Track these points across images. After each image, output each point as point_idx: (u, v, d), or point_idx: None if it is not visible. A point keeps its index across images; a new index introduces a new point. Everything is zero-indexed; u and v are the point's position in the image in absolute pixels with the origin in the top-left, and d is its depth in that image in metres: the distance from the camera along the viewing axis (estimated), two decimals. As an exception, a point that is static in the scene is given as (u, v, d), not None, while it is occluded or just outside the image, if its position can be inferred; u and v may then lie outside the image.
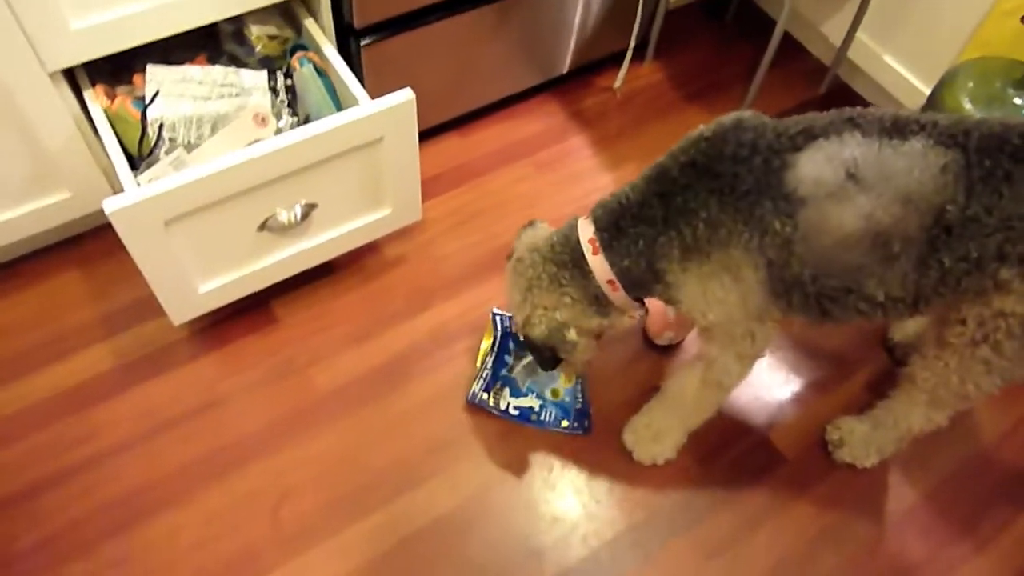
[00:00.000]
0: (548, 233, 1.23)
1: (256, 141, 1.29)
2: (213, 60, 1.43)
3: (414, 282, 1.59)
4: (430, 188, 1.73)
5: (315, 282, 1.56)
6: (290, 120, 1.33)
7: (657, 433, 1.38)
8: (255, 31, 1.40)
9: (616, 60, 1.96)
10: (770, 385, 1.51)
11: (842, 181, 0.99)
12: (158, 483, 1.33)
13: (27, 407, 1.39)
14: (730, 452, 1.43)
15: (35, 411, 1.38)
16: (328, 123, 1.21)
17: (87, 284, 1.53)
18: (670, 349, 1.54)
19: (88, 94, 1.31)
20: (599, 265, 1.13)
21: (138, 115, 1.29)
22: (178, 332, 1.49)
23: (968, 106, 1.44)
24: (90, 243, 1.59)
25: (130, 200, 1.11)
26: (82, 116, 1.32)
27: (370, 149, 1.30)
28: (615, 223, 1.11)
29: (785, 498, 1.39)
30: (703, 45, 2.07)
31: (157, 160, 1.27)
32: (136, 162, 1.30)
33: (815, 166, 1.01)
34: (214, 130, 1.30)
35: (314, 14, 1.45)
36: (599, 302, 1.18)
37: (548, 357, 1.24)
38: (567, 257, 1.16)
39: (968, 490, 1.42)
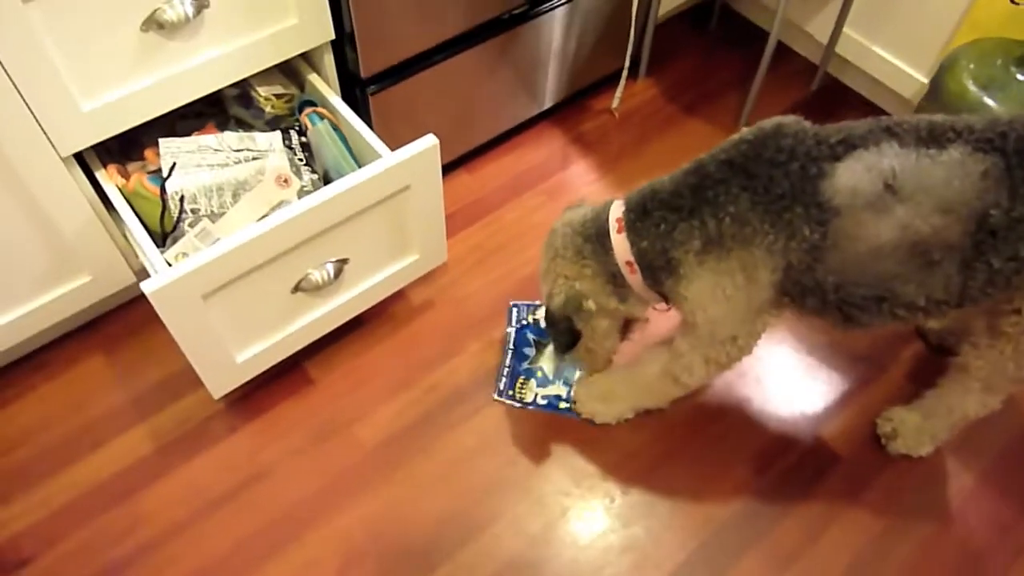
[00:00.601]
0: (586, 210, 1.24)
1: (281, 203, 1.27)
2: (221, 126, 1.41)
3: (444, 325, 1.57)
4: (447, 228, 1.72)
5: (346, 337, 1.54)
6: (311, 178, 1.32)
7: (607, 395, 1.41)
8: (262, 92, 1.38)
9: (610, 80, 1.97)
10: (813, 387, 1.50)
11: (880, 192, 0.99)
12: (214, 566, 1.29)
13: (69, 502, 1.34)
14: (786, 459, 1.42)
15: (78, 506, 1.34)
16: (355, 178, 1.20)
17: (113, 368, 1.50)
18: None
19: (101, 175, 1.29)
20: (620, 244, 1.15)
21: (157, 191, 1.26)
22: (214, 406, 1.45)
23: (972, 88, 1.46)
24: (110, 325, 1.55)
25: (168, 278, 1.08)
26: (96, 198, 1.29)
27: (397, 198, 1.29)
28: (643, 205, 1.13)
29: (846, 497, 1.38)
30: (691, 56, 2.09)
31: (183, 234, 1.24)
32: (159, 238, 1.27)
33: (852, 176, 1.01)
34: (236, 196, 1.27)
35: (317, 68, 1.44)
36: (616, 282, 1.19)
37: (565, 331, 1.24)
38: (593, 232, 1.18)
39: (1021, 465, 1.42)
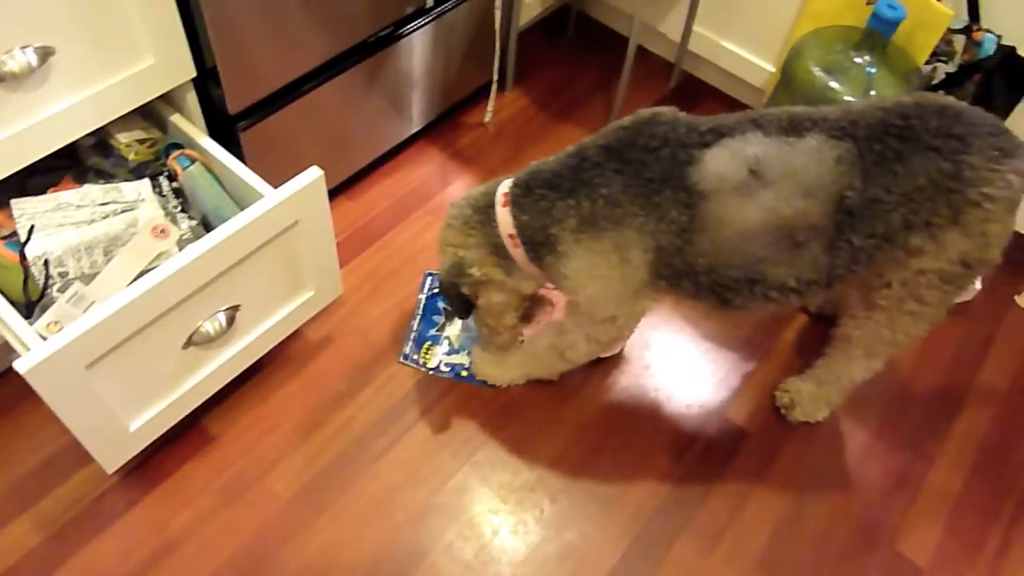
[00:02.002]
0: (483, 187, 1.29)
1: (160, 255, 1.19)
2: (80, 179, 1.30)
3: (348, 359, 1.52)
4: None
5: (244, 386, 1.46)
6: (190, 224, 1.24)
7: (500, 361, 1.47)
8: (123, 139, 1.29)
9: (479, 95, 1.98)
10: (713, 370, 1.57)
11: (744, 177, 1.06)
12: (133, 651, 1.19)
13: (-50, 614, 1.20)
14: (699, 442, 1.47)
15: (-38, 616, 1.20)
16: (239, 220, 1.14)
17: (-17, 456, 1.35)
18: (608, 359, 1.57)
19: (-54, 247, 1.16)
20: (503, 217, 1.21)
21: (16, 257, 1.15)
22: (107, 480, 1.34)
23: (818, 72, 1.57)
24: (-28, 410, 1.40)
25: (44, 353, 0.99)
26: (-57, 273, 1.16)
27: (285, 235, 1.24)
28: (527, 183, 1.19)
29: (760, 470, 1.44)
30: (554, 63, 2.13)
31: (52, 301, 1.14)
32: (24, 309, 1.16)
33: (719, 162, 1.07)
34: (108, 254, 1.18)
35: (179, 108, 1.36)
36: (501, 253, 1.24)
37: (455, 297, 1.30)
38: (483, 204, 1.24)
39: (906, 413, 1.54)
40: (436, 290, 1.61)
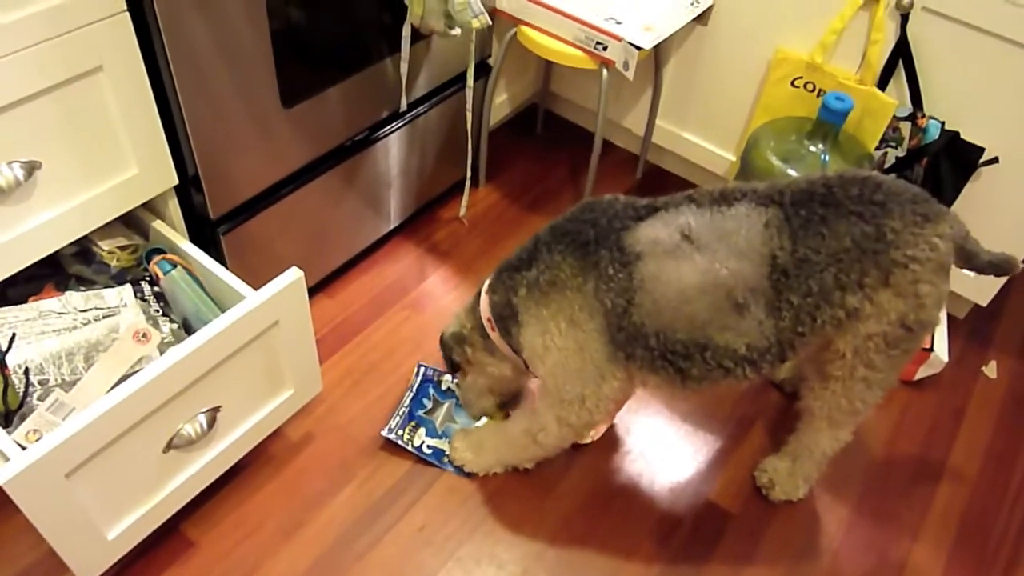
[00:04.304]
0: None
1: (142, 359, 1.20)
2: (61, 286, 1.32)
3: (329, 456, 1.52)
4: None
5: (223, 489, 1.44)
6: (171, 328, 1.26)
7: (479, 447, 1.49)
8: (105, 247, 1.32)
9: (453, 191, 2.04)
10: (693, 452, 1.58)
11: (678, 241, 1.13)
12: None
13: None
14: (685, 525, 1.47)
15: None
16: (220, 323, 1.16)
17: (-47, 573, 1.31)
18: (588, 446, 1.58)
19: (-75, 359, 1.16)
20: (484, 303, 1.33)
21: (-4, 367, 1.15)
22: (82, 593, 1.30)
23: (775, 161, 1.65)
24: (-58, 525, 1.37)
25: (24, 463, 0.98)
26: (-79, 385, 1.16)
27: (266, 336, 1.26)
28: (500, 270, 1.30)
29: (745, 551, 1.44)
30: (524, 159, 2.22)
31: (32, 409, 1.14)
32: (2, 418, 1.16)
33: (652, 230, 1.15)
34: (89, 360, 1.19)
35: (160, 215, 1.39)
36: (484, 335, 1.37)
37: (447, 359, 1.47)
38: (478, 292, 1.37)
39: (885, 487, 1.55)
40: (430, 378, 1.64)
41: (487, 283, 1.33)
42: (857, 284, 1.11)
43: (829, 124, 1.61)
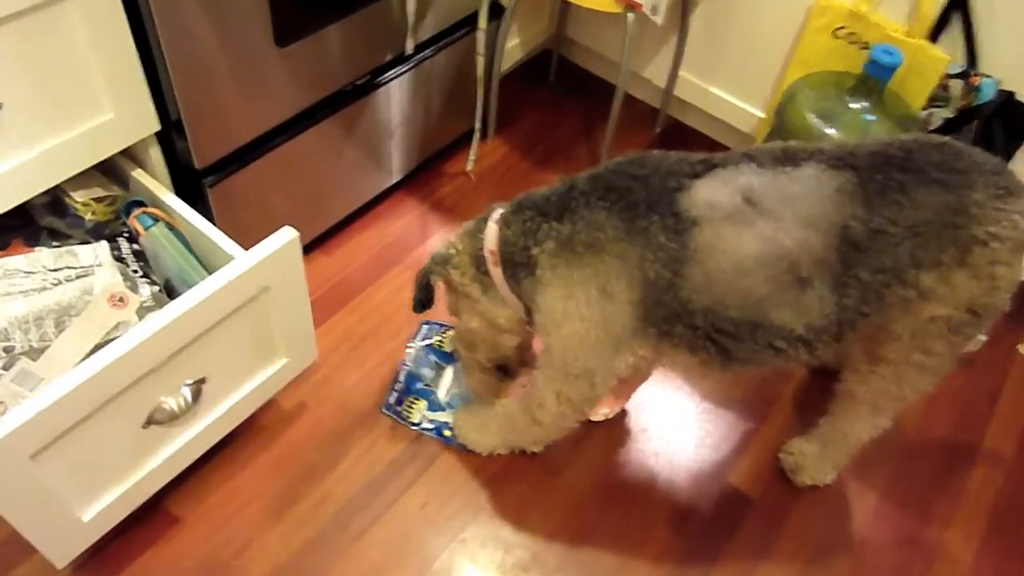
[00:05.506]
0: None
1: (119, 325, 1.09)
2: (31, 241, 1.20)
3: (324, 428, 1.42)
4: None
5: (211, 462, 1.35)
6: (151, 291, 1.14)
7: (482, 426, 1.39)
8: (79, 198, 1.19)
9: (460, 143, 1.91)
10: (712, 432, 1.48)
11: (739, 204, 1.00)
12: None
13: None
14: (702, 511, 1.38)
15: None
16: (206, 288, 1.04)
17: (-82, 548, 1.22)
18: (602, 423, 1.48)
19: None
20: (490, 231, 1.15)
21: (-45, 331, 1.04)
22: (57, 574, 1.21)
23: (812, 119, 1.52)
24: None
25: (-18, 444, 0.88)
26: None
27: (256, 301, 1.14)
28: (520, 203, 1.14)
29: (766, 539, 1.35)
30: (536, 109, 2.07)
31: (-4, 380, 1.03)
32: (-35, 388, 1.05)
33: (711, 190, 1.01)
34: (60, 325, 1.08)
35: (141, 163, 1.26)
36: (479, 267, 1.19)
37: (423, 286, 1.25)
38: (481, 217, 1.19)
39: (915, 472, 1.46)
40: (430, 341, 1.53)
41: (499, 212, 1.16)
42: (933, 261, 1.00)
43: (874, 80, 1.47)
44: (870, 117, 1.49)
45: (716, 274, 1.00)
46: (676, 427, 1.48)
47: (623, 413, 1.49)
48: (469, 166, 1.86)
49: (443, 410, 1.45)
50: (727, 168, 1.02)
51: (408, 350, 1.51)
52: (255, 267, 1.08)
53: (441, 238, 1.74)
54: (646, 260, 1.01)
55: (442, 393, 1.46)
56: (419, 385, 1.47)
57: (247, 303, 1.12)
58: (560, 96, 2.12)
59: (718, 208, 0.99)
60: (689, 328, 1.04)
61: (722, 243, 0.99)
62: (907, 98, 1.56)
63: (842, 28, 1.59)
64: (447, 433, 1.42)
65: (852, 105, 1.51)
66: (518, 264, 1.12)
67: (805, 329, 1.03)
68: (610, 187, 1.04)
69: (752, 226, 0.98)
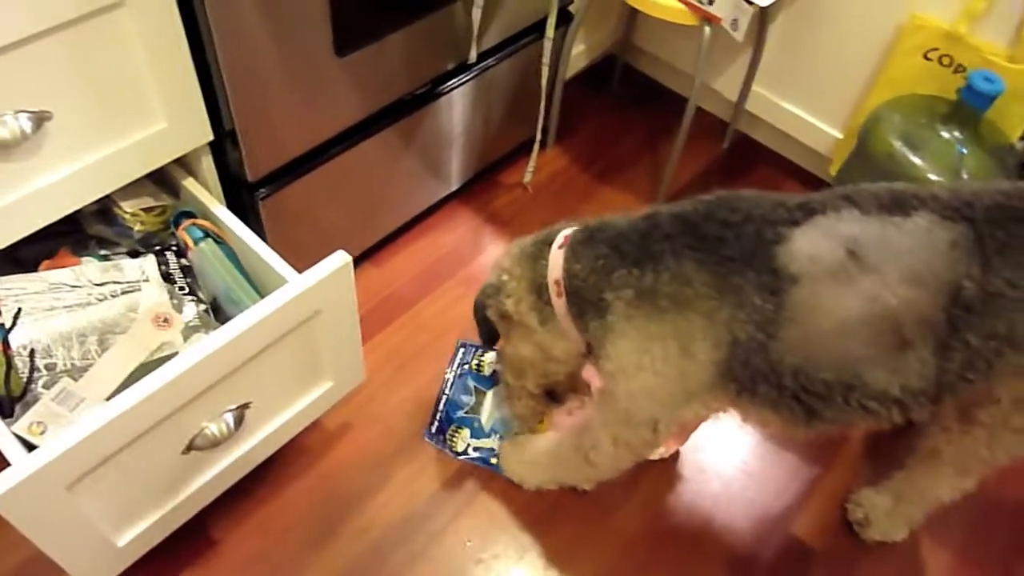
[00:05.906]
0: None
1: (162, 345, 1.04)
2: (79, 249, 1.17)
3: (367, 451, 1.36)
4: (356, 334, 1.52)
5: (251, 482, 1.30)
6: (197, 311, 1.09)
7: (531, 461, 1.32)
8: (128, 208, 1.15)
9: (517, 153, 1.83)
10: (773, 476, 1.40)
11: (842, 258, 0.90)
12: None
13: None
14: (762, 561, 1.30)
15: None
16: (257, 312, 0.99)
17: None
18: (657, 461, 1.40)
19: (-79, 330, 1.02)
20: (555, 259, 1.07)
21: (-2, 346, 1.01)
22: (92, 591, 1.18)
23: (897, 145, 1.42)
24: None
25: (19, 476, 0.83)
26: (-84, 358, 1.02)
27: (306, 325, 1.09)
28: (591, 233, 1.05)
29: (831, 597, 1.27)
30: (597, 117, 1.99)
31: (36, 399, 0.99)
32: (6, 406, 1.01)
33: (811, 242, 0.92)
34: (103, 343, 1.04)
35: (193, 172, 1.22)
36: (539, 295, 1.11)
37: (480, 320, 1.20)
38: (541, 240, 1.12)
39: (994, 530, 1.36)
40: (468, 365, 1.46)
41: (563, 235, 1.08)
42: None
43: (971, 108, 1.36)
44: (964, 150, 1.38)
45: (814, 336, 0.92)
46: (735, 469, 1.40)
47: (679, 452, 1.41)
48: (527, 177, 1.79)
49: (488, 436, 1.38)
50: (827, 215, 0.93)
51: (447, 376, 1.45)
52: (307, 291, 1.03)
53: (494, 253, 1.67)
54: (737, 320, 0.92)
55: (484, 419, 1.40)
56: (460, 413, 1.40)
57: (296, 327, 1.07)
58: (623, 104, 2.04)
59: (819, 263, 0.90)
60: (775, 388, 0.95)
61: (822, 303, 0.90)
62: (1003, 127, 1.44)
63: (935, 50, 1.48)
64: (494, 461, 1.36)
65: (943, 134, 1.40)
66: (585, 301, 1.04)
67: (901, 391, 0.94)
68: (700, 235, 0.95)
69: (855, 283, 0.89)
